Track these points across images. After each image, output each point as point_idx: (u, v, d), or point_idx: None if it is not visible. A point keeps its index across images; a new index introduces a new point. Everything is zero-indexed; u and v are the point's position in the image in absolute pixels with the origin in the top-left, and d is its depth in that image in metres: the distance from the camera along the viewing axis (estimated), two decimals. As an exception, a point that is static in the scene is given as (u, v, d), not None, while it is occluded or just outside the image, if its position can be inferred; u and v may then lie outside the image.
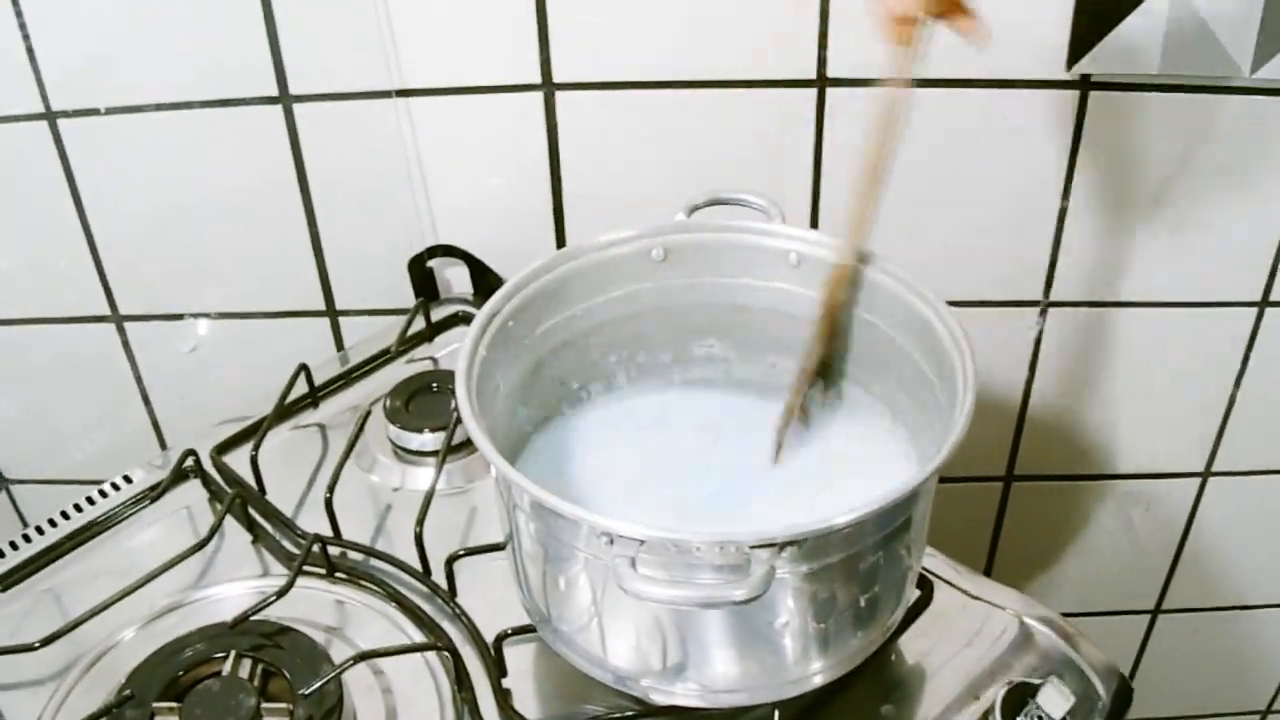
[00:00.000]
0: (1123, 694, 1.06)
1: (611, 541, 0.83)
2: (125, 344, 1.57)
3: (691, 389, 1.18)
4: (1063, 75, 1.32)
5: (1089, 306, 1.50)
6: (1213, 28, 1.25)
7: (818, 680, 0.98)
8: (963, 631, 1.11)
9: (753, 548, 0.81)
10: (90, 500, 1.28)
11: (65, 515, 1.27)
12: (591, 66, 1.37)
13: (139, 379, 1.60)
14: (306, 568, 1.15)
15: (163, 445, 1.64)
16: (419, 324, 1.50)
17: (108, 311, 1.53)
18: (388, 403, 1.33)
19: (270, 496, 1.26)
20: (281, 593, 1.10)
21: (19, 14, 1.31)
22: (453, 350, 1.45)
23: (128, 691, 1.02)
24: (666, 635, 0.92)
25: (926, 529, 0.99)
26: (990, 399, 1.59)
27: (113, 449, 1.61)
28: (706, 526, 0.83)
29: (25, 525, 1.27)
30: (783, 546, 0.82)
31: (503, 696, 1.05)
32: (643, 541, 0.82)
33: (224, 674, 1.03)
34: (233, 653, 1.05)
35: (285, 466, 1.31)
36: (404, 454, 1.31)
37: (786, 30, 1.33)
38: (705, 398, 1.17)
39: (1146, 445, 1.65)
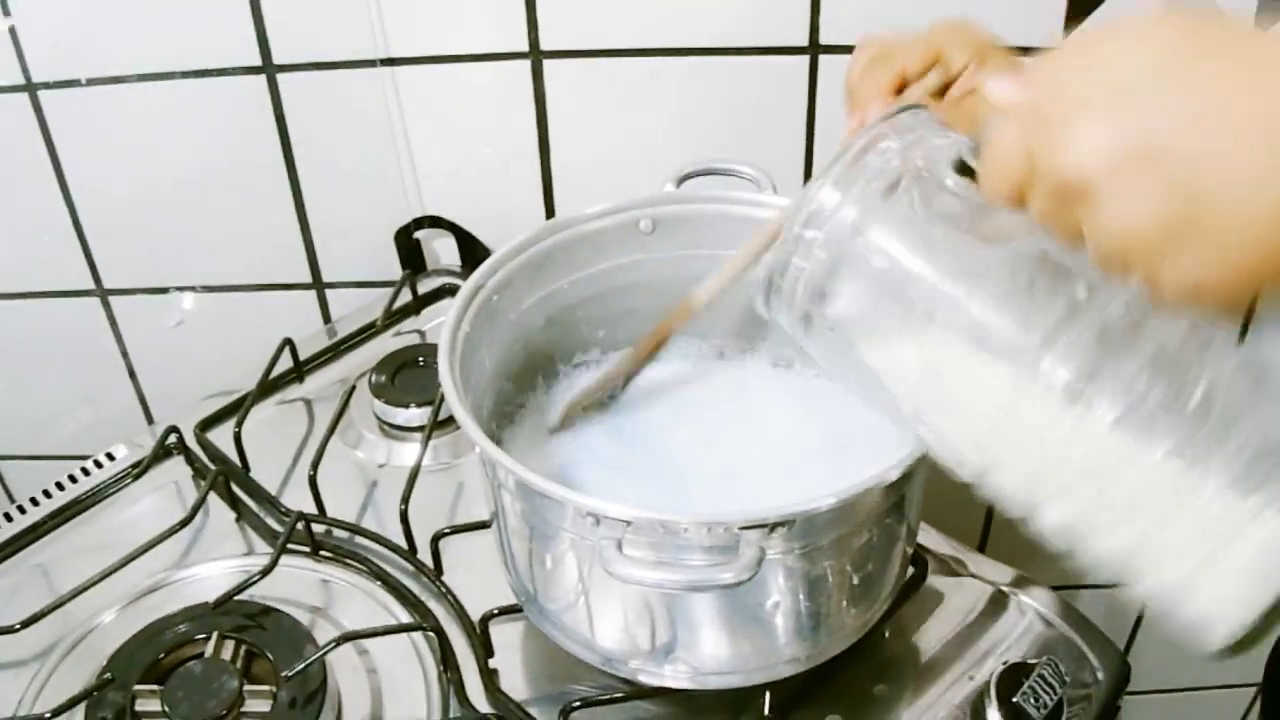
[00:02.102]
0: (1120, 670, 1.05)
1: (598, 522, 0.82)
2: (110, 319, 1.55)
3: (681, 363, 1.16)
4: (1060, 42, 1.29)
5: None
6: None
7: (809, 661, 0.97)
8: (957, 609, 1.10)
9: (742, 529, 0.80)
10: (73, 478, 1.27)
11: (47, 494, 1.25)
12: (579, 34, 1.35)
13: (124, 354, 1.58)
14: (290, 546, 1.14)
15: (149, 420, 1.62)
16: (405, 297, 1.49)
17: (92, 286, 1.52)
18: (373, 377, 1.32)
19: (254, 473, 1.25)
20: (265, 572, 1.09)
21: (-1, -16, 1.29)
22: (440, 323, 1.43)
23: (109, 674, 1.01)
24: (655, 616, 0.91)
25: (921, 506, 0.98)
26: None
27: (98, 425, 1.59)
28: (695, 505, 0.82)
29: (11, 501, 1.26)
30: (773, 527, 0.81)
31: (489, 677, 1.03)
32: (629, 522, 0.81)
33: (206, 655, 1.02)
34: (215, 634, 1.04)
35: (270, 442, 1.29)
36: (390, 429, 1.30)
37: (779, -3, 1.31)
38: (694, 371, 1.15)
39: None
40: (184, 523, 1.16)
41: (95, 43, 1.34)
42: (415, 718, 1.02)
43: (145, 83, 1.36)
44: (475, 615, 1.07)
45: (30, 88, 1.35)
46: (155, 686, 1.00)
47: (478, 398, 0.98)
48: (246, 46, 1.35)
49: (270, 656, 1.03)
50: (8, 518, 1.23)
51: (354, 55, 1.38)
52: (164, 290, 1.53)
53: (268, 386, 1.35)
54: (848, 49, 1.30)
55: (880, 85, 0.90)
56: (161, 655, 1.03)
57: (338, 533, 1.19)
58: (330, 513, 1.19)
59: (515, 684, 1.05)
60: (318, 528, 1.18)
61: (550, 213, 1.49)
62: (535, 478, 0.83)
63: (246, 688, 0.99)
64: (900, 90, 0.90)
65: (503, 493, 0.93)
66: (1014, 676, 1.00)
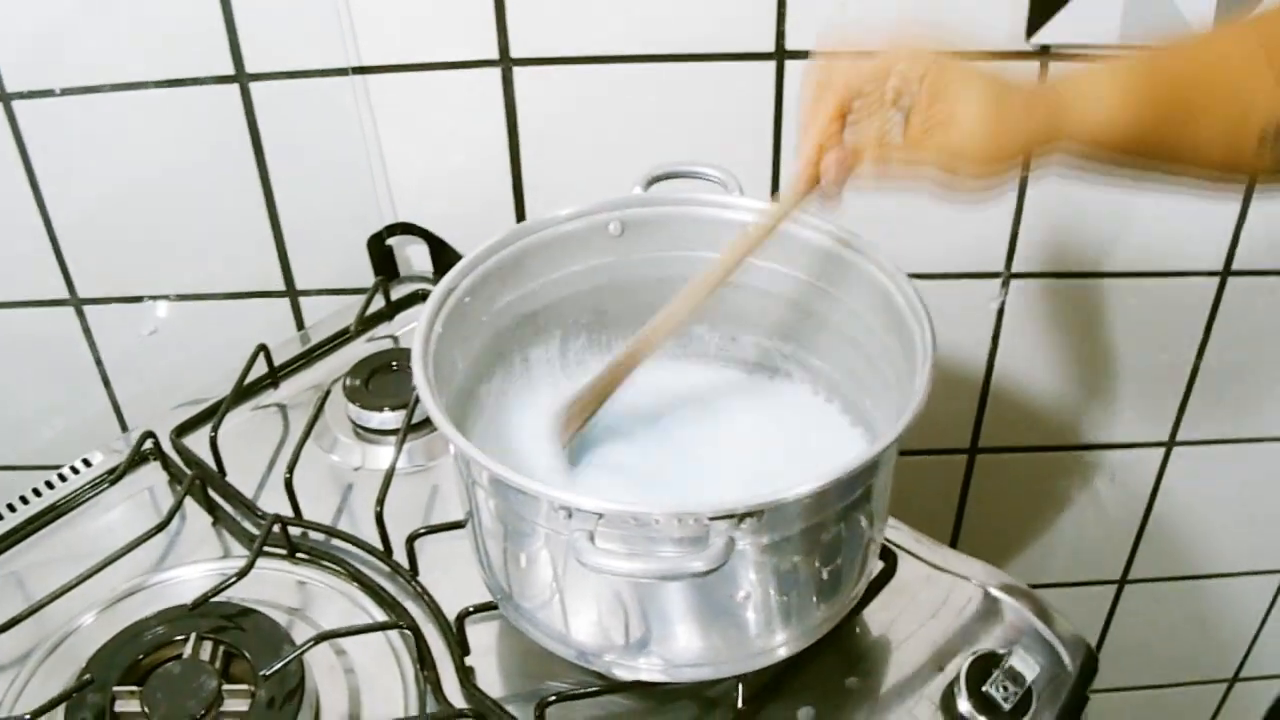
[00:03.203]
0: (1088, 663, 1.07)
1: (570, 515, 0.83)
2: (85, 327, 1.55)
3: (652, 361, 1.17)
4: (1022, 46, 1.31)
5: (1051, 278, 1.50)
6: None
7: (781, 653, 0.98)
8: (928, 603, 1.11)
9: (711, 519, 0.81)
10: (49, 484, 1.27)
11: (24, 500, 1.26)
12: (549, 42, 1.36)
13: (99, 362, 1.58)
14: (267, 548, 1.14)
15: (124, 428, 1.63)
16: (378, 302, 1.49)
17: (66, 295, 1.52)
18: (347, 382, 1.33)
19: (230, 477, 1.25)
20: (242, 574, 1.09)
21: (-30, -5, 1.30)
22: (413, 328, 1.44)
23: (88, 676, 1.01)
24: (628, 610, 0.92)
25: (888, 500, 0.99)
26: (954, 372, 1.59)
27: (74, 433, 1.60)
28: (664, 498, 0.83)
29: (-13, 510, 1.26)
30: (742, 518, 0.82)
31: (465, 674, 1.04)
32: (601, 515, 0.82)
33: (185, 656, 1.03)
34: (193, 635, 1.04)
35: (245, 447, 1.30)
36: (364, 433, 1.31)
37: (745, 3, 1.32)
38: (664, 370, 1.16)
39: (1110, 416, 1.65)
40: (161, 527, 1.17)
41: (69, 52, 1.35)
42: (393, 715, 1.03)
43: (119, 92, 1.37)
44: (451, 614, 1.08)
45: (4, 97, 1.36)
46: (134, 687, 1.00)
47: (450, 398, 0.99)
48: (219, 56, 1.36)
49: (248, 656, 1.03)
50: (-16, 525, 1.23)
51: (326, 64, 1.38)
52: (138, 299, 1.53)
53: (243, 392, 1.35)
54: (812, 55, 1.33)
55: (824, 114, 0.91)
56: (140, 656, 1.03)
57: (314, 535, 1.19)
58: (306, 515, 1.20)
59: (491, 681, 1.05)
60: (294, 530, 1.19)
61: (522, 218, 1.50)
62: (509, 472, 0.85)
63: (225, 687, 1.00)
64: (843, 117, 0.91)
65: (477, 490, 0.94)
66: (983, 666, 1.01)
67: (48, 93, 1.37)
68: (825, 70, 0.92)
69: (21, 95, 1.37)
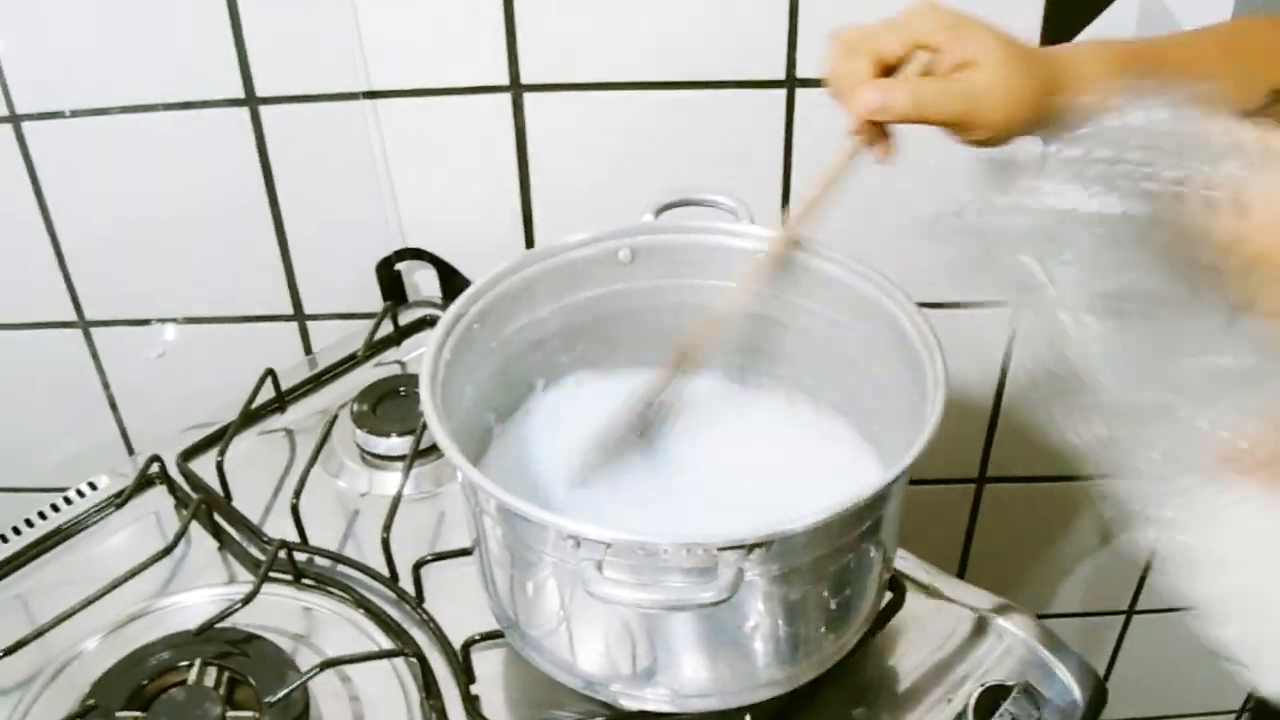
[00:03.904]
0: (1098, 696, 1.06)
1: (578, 544, 0.82)
2: (92, 350, 1.55)
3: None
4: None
5: (1061, 307, 1.50)
6: (1180, 19, 1.25)
7: (789, 684, 0.97)
8: (936, 634, 1.11)
9: (720, 550, 0.80)
10: (55, 508, 1.27)
11: (29, 523, 1.25)
12: (559, 68, 1.36)
13: (106, 385, 1.59)
14: (273, 574, 1.14)
15: (130, 451, 1.63)
16: (387, 328, 1.49)
17: (74, 318, 1.52)
18: (355, 407, 1.32)
19: (236, 502, 1.25)
20: (247, 599, 1.09)
21: (-17, 16, 1.30)
22: (421, 354, 1.44)
23: (91, 701, 1.01)
24: (636, 639, 0.92)
25: (898, 530, 0.99)
26: (963, 401, 1.58)
27: (80, 455, 1.59)
28: (671, 523, 0.82)
29: (-8, 532, 1.26)
30: (751, 548, 0.81)
31: (471, 703, 1.04)
32: (609, 544, 0.81)
33: (189, 682, 1.03)
34: (198, 661, 1.04)
35: (252, 472, 1.30)
36: (371, 459, 1.30)
37: (756, 31, 1.32)
38: (672, 397, 1.16)
39: (1119, 445, 1.64)
40: (166, 551, 1.16)
41: (79, 74, 1.35)
42: (397, 744, 1.03)
43: (129, 114, 1.37)
44: (457, 641, 1.07)
45: (14, 119, 1.36)
46: (138, 713, 1.00)
47: (458, 425, 0.99)
48: (229, 79, 1.36)
49: (253, 683, 1.03)
50: (-11, 547, 1.23)
51: (336, 88, 1.38)
52: (146, 322, 1.53)
53: (250, 416, 1.35)
54: (823, 82, 1.32)
55: (861, 73, 0.91)
56: (144, 682, 1.03)
57: (320, 561, 1.19)
58: (312, 541, 1.20)
59: (497, 710, 1.05)
60: (300, 556, 1.18)
61: (530, 245, 1.50)
62: (516, 501, 0.84)
63: (229, 714, 0.99)
64: (885, 75, 0.91)
65: (484, 518, 0.94)
66: (992, 699, 1.00)
67: (58, 114, 1.37)
68: (850, 33, 0.93)
69: (31, 117, 1.37)
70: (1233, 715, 2.01)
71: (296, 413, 1.40)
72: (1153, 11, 1.25)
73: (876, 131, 0.93)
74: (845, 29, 0.93)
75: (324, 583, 1.17)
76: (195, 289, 1.52)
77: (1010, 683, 1.02)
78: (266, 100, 1.38)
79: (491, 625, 1.04)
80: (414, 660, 1.06)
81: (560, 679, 0.98)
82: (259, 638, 1.08)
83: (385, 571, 1.15)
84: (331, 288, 1.54)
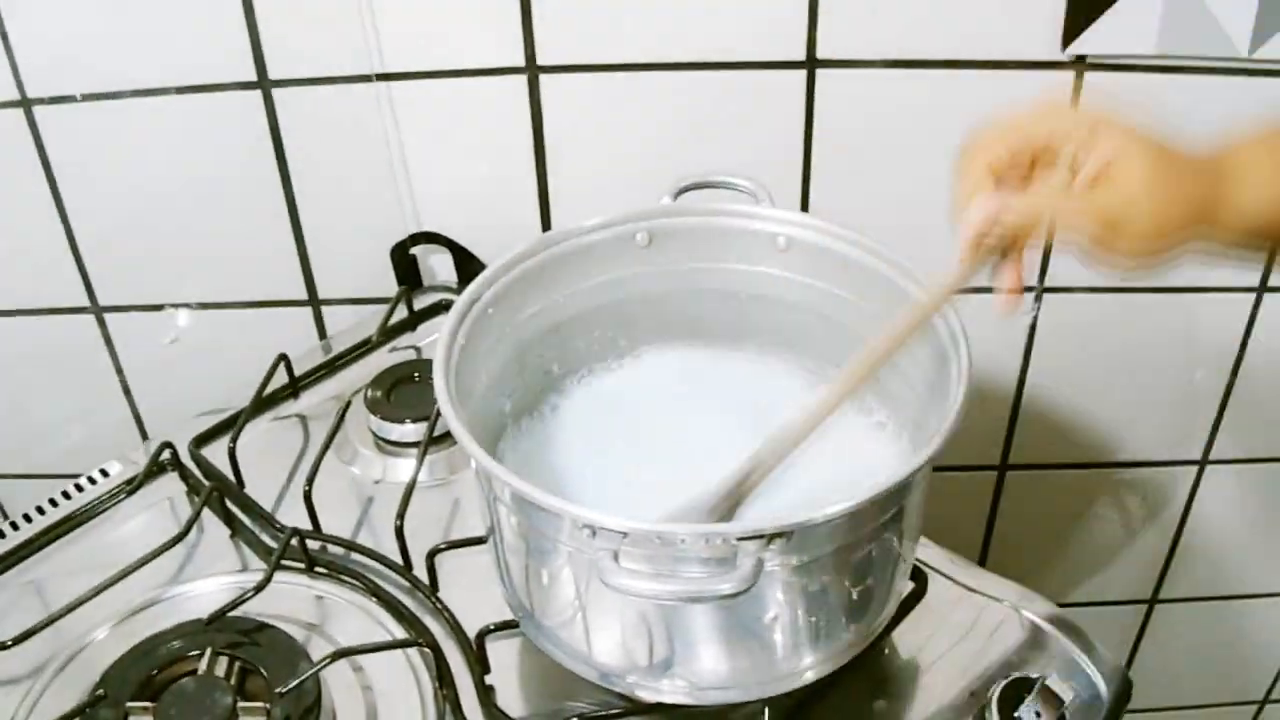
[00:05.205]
0: (1123, 690, 1.04)
1: (594, 534, 0.81)
2: (105, 336, 1.55)
3: (678, 374, 1.16)
4: (1058, 55, 1.29)
5: (1084, 292, 1.48)
6: (1210, 7, 1.23)
7: (809, 676, 0.96)
8: (958, 624, 1.09)
9: (740, 540, 0.79)
10: (66, 495, 1.26)
11: (40, 510, 1.24)
12: (576, 49, 1.34)
13: (119, 371, 1.58)
14: (285, 562, 1.13)
15: (144, 437, 1.62)
16: (401, 312, 1.48)
17: (87, 303, 1.51)
18: (368, 393, 1.31)
19: (249, 489, 1.24)
20: (259, 588, 1.08)
21: (-8, -1, 1.29)
22: (435, 339, 1.43)
23: (101, 691, 1.00)
24: (653, 630, 0.90)
25: (920, 520, 0.97)
26: (984, 387, 1.57)
27: (92, 441, 1.59)
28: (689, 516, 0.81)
29: (4, 518, 1.25)
30: (771, 538, 0.80)
31: (485, 693, 1.03)
32: (626, 534, 0.80)
33: (200, 672, 1.02)
34: (209, 650, 1.03)
35: (265, 458, 1.29)
36: (385, 445, 1.29)
37: (775, 11, 1.30)
38: (690, 383, 1.15)
39: (1143, 433, 1.63)
40: (178, 539, 1.15)
41: (90, 58, 1.34)
42: (410, 734, 1.02)
43: (140, 98, 1.36)
44: (471, 631, 1.06)
45: (25, 103, 1.35)
46: (148, 703, 0.99)
47: (473, 411, 0.97)
48: (242, 62, 1.35)
49: (264, 673, 1.02)
50: (0, 534, 1.22)
51: (349, 70, 1.37)
52: (159, 307, 1.52)
53: (263, 403, 1.34)
54: (844, 63, 1.31)
55: (975, 179, 0.85)
56: (155, 671, 1.02)
57: (333, 549, 1.18)
58: (325, 529, 1.19)
59: (511, 700, 1.04)
60: (313, 544, 1.17)
61: (547, 228, 1.48)
62: (532, 489, 0.83)
63: (240, 704, 0.98)
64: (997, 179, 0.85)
65: (499, 506, 0.92)
66: (1016, 691, 0.99)
67: (69, 99, 1.36)
68: (974, 139, 0.86)
69: (43, 101, 1.36)
70: (1256, 705, 1.99)
71: (310, 399, 1.39)
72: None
73: (993, 257, 0.87)
74: (970, 135, 0.87)
75: (337, 571, 1.15)
76: (208, 274, 1.51)
77: (1034, 675, 1.00)
78: (279, 83, 1.36)
79: (506, 615, 1.03)
80: (428, 650, 1.05)
81: (576, 670, 0.97)
82: (271, 627, 1.07)
83: (399, 560, 1.14)
84: (345, 272, 1.53)
